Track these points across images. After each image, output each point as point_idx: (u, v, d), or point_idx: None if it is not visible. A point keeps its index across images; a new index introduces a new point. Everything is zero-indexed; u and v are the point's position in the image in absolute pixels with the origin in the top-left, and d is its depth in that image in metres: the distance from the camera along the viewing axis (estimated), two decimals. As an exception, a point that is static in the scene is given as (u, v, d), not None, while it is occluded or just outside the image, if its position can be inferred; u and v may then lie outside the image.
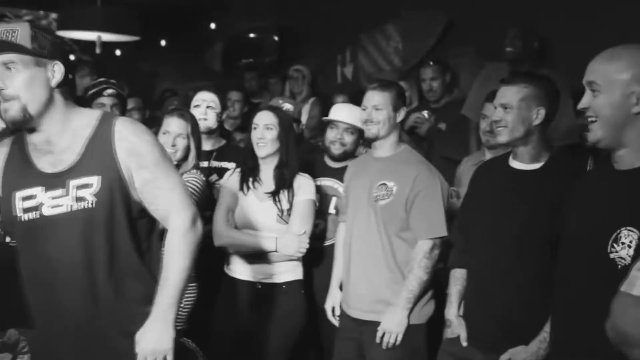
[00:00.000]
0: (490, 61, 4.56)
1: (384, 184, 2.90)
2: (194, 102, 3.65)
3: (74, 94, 2.32)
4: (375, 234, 2.89)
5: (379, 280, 2.89)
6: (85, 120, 1.98)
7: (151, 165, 1.95)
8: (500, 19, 4.50)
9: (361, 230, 2.93)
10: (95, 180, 1.92)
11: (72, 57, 8.40)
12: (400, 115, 2.98)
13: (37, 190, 1.94)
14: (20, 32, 1.87)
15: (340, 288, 3.10)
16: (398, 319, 2.81)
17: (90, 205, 1.91)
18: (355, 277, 2.94)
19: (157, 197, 1.97)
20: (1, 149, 2.03)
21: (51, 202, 1.93)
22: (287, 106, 3.85)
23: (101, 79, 3.66)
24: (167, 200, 1.97)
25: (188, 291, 3.01)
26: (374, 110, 2.92)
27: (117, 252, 1.96)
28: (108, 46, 7.02)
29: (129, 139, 1.95)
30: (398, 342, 2.81)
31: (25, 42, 1.87)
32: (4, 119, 1.93)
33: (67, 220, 1.93)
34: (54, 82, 1.93)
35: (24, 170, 1.97)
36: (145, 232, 2.04)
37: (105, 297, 1.96)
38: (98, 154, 1.94)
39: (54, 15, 10.63)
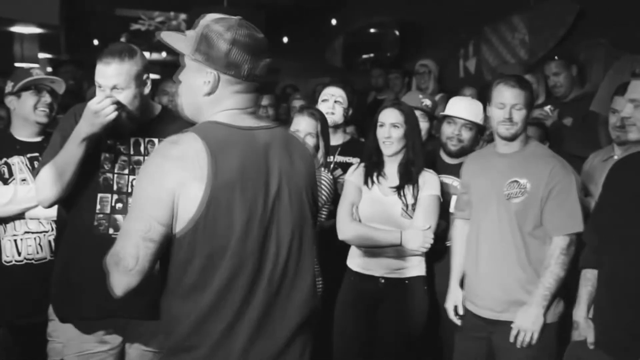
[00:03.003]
0: (625, 53, 4.32)
1: (516, 182, 2.80)
2: (322, 96, 3.63)
3: None
4: (508, 233, 2.80)
5: (512, 280, 2.80)
6: None
7: None
8: (637, 7, 4.26)
9: (491, 229, 2.85)
10: None
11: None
12: (530, 112, 2.90)
13: None
14: None
15: (461, 286, 3.04)
16: (534, 317, 2.73)
17: None
18: (486, 277, 2.86)
19: None
20: None
21: None
22: (427, 102, 3.76)
23: None
24: None
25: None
26: (514, 110, 2.81)
27: None
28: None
29: None
30: (534, 341, 2.73)
31: None
32: None
33: None
34: None
35: None
36: None
37: None
38: None
39: (183, 16, 11.15)
